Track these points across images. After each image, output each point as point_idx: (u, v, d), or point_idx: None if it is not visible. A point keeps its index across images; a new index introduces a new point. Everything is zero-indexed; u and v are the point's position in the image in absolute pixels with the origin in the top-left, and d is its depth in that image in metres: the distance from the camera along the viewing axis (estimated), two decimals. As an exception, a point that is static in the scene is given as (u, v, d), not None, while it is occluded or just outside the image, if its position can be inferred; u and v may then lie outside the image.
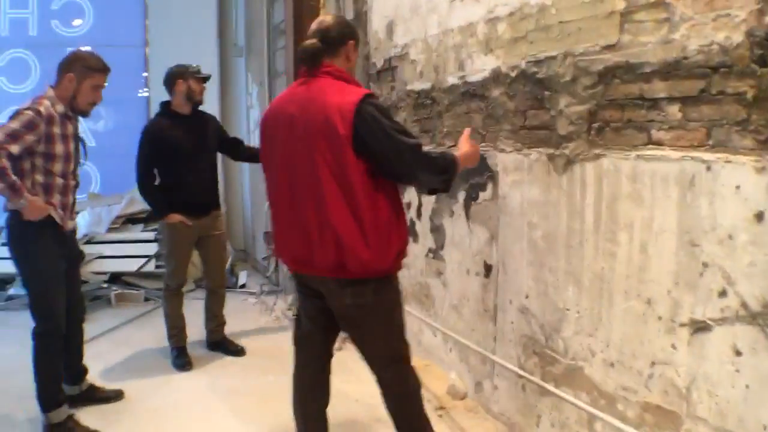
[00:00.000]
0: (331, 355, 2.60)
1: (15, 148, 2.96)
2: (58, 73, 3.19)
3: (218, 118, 4.87)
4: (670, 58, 2.04)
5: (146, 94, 7.26)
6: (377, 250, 2.22)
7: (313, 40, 2.27)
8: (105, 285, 5.83)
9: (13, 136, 2.96)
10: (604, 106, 2.35)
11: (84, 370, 3.61)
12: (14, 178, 2.94)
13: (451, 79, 3.26)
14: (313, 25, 2.35)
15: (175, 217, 4.05)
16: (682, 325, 2.06)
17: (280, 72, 5.69)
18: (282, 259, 2.51)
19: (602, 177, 2.38)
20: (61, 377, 3.37)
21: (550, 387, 2.70)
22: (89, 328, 4.64)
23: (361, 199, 2.18)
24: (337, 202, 2.18)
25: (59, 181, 3.15)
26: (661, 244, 2.13)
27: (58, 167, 3.13)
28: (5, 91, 6.86)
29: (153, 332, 4.76)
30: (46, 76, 6.71)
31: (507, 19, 2.81)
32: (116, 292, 5.71)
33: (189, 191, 4.07)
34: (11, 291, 5.97)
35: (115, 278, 5.95)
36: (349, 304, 2.31)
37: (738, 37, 1.82)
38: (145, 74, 7.27)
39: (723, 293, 1.91)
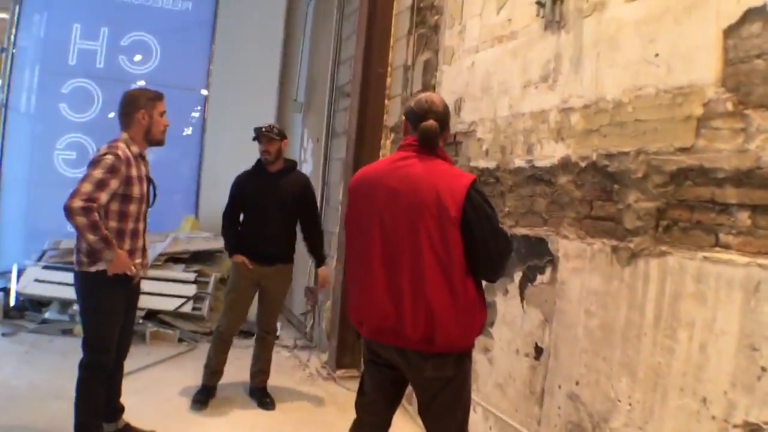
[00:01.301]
0: (389, 425, 2.76)
1: (104, 197, 3.23)
2: (125, 116, 3.47)
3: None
4: (744, 167, 2.23)
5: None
6: (464, 326, 2.43)
7: (433, 122, 2.51)
8: (140, 321, 6.04)
9: (100, 185, 3.22)
10: (674, 205, 2.54)
11: (121, 408, 3.79)
12: (105, 231, 3.21)
13: (518, 162, 3.48)
14: (424, 103, 2.58)
15: (239, 258, 4.52)
16: (736, 426, 2.18)
17: (339, 132, 6.01)
18: (359, 325, 2.66)
19: (666, 274, 2.54)
20: (102, 412, 3.54)
21: (594, 478, 2.80)
22: (126, 364, 4.93)
23: (457, 277, 2.39)
24: (435, 277, 2.37)
25: (131, 225, 3.41)
26: (721, 345, 2.27)
27: (133, 209, 3.39)
28: (66, 118, 7.29)
29: (185, 374, 4.99)
30: (107, 108, 7.27)
31: (581, 111, 3.04)
32: (152, 329, 5.92)
33: (256, 240, 4.52)
34: (47, 314, 6.23)
35: (151, 315, 6.17)
36: (429, 377, 2.48)
37: (813, 156, 2.01)
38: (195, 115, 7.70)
39: (781, 400, 2.04)
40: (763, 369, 2.11)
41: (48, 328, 6.04)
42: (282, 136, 4.57)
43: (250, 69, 7.23)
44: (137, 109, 3.44)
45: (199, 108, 7.69)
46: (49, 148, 7.26)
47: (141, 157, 3.48)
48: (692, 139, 2.45)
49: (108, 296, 3.38)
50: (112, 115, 7.42)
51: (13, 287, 6.45)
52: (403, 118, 2.72)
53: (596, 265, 2.92)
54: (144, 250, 3.61)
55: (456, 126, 4.16)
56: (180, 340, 5.98)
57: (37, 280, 6.42)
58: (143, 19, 7.55)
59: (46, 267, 6.60)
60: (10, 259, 6.87)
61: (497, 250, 2.47)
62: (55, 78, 7.30)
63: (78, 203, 3.14)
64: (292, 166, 4.70)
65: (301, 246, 4.75)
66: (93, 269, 3.31)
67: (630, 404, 2.66)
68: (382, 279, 2.49)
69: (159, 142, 3.56)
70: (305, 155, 6.94)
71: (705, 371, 2.33)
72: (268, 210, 4.51)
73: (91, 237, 3.17)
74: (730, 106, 2.29)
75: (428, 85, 4.59)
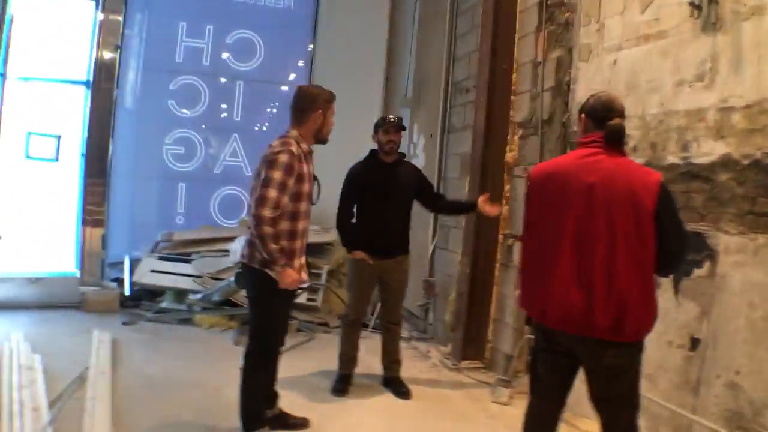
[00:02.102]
0: (563, 410, 3.07)
1: (286, 200, 3.49)
2: (301, 112, 3.71)
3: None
4: None
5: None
6: (649, 316, 2.73)
7: (620, 120, 2.83)
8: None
9: (283, 188, 3.46)
10: None
11: (277, 395, 4.08)
12: (282, 245, 3.50)
13: (671, 158, 3.79)
14: (608, 102, 2.90)
15: (359, 254, 4.81)
16: None
17: (457, 127, 6.40)
18: (541, 315, 2.91)
19: (838, 267, 2.85)
20: (264, 398, 3.89)
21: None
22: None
23: (649, 268, 2.69)
24: (628, 268, 2.64)
25: (301, 225, 3.66)
26: None
27: (303, 207, 3.64)
28: (174, 113, 7.88)
29: (313, 363, 5.45)
30: (213, 103, 7.83)
31: (742, 111, 3.35)
32: None
33: (375, 233, 4.81)
34: (163, 304, 6.80)
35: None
36: (610, 365, 2.73)
37: None
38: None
39: None
40: None
41: (165, 317, 6.61)
42: (403, 128, 4.92)
43: (353, 65, 7.60)
44: (316, 108, 3.68)
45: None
46: (157, 144, 7.83)
47: (310, 154, 3.73)
48: None
49: (280, 295, 3.65)
50: (224, 108, 8.06)
51: (128, 278, 7.04)
52: (582, 115, 2.97)
53: (760, 259, 3.22)
54: (306, 247, 3.85)
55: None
56: (299, 330, 6.44)
57: (152, 271, 7.01)
58: (247, 17, 8.03)
59: (161, 258, 7.19)
60: (119, 251, 7.48)
61: (678, 247, 2.75)
62: (163, 75, 7.86)
63: (269, 212, 3.40)
64: (403, 157, 5.01)
65: (414, 236, 5.01)
66: (267, 271, 3.56)
67: (798, 392, 2.97)
68: (571, 270, 2.75)
69: (325, 141, 3.83)
70: (415, 150, 7.33)
71: None
72: (387, 201, 4.78)
73: (272, 246, 3.43)
74: None
75: (561, 82, 4.92)
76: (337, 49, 7.83)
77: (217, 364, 5.29)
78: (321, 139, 3.81)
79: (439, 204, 5.10)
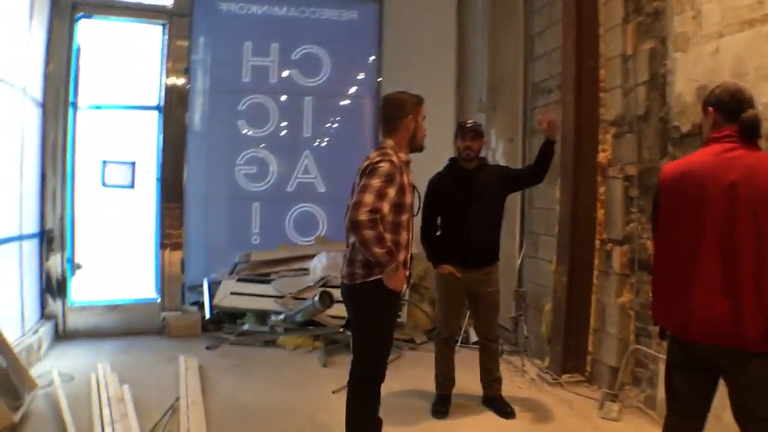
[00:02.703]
0: (704, 427, 2.94)
1: (386, 207, 3.45)
2: (392, 121, 3.72)
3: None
4: None
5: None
6: None
7: (755, 112, 2.74)
8: (341, 330, 6.59)
9: (381, 195, 3.42)
10: None
11: (381, 422, 3.96)
12: (390, 244, 3.45)
13: (789, 149, 3.68)
14: (738, 94, 2.81)
15: (446, 268, 4.79)
16: None
17: (538, 129, 6.34)
18: (682, 328, 2.80)
19: None
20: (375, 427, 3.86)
21: None
22: (335, 374, 5.46)
23: None
24: None
25: (404, 236, 3.65)
26: None
27: (405, 219, 3.64)
28: (244, 134, 8.07)
29: (405, 382, 5.41)
30: (282, 121, 7.98)
31: None
32: None
33: (461, 245, 4.77)
34: (245, 326, 6.92)
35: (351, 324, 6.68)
36: (759, 377, 2.62)
37: None
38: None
39: None
40: None
41: (248, 340, 6.73)
42: (483, 134, 4.91)
43: (422, 73, 7.60)
44: (405, 114, 3.68)
45: (372, 116, 8.25)
46: (229, 164, 8.03)
47: (407, 164, 3.70)
48: None
49: (384, 306, 3.67)
50: (293, 125, 8.20)
51: (207, 300, 7.20)
52: (710, 109, 2.87)
53: None
54: (411, 259, 3.87)
55: (699, 116, 4.37)
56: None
57: (233, 293, 7.16)
58: (311, 32, 8.20)
59: (240, 279, 7.34)
60: (196, 274, 7.69)
61: None
62: (231, 96, 8.07)
63: (365, 215, 3.34)
64: (485, 162, 5.01)
65: (501, 245, 4.98)
66: (372, 279, 3.55)
67: None
68: (715, 277, 2.65)
69: (421, 149, 3.82)
70: (494, 156, 7.30)
71: None
72: (472, 210, 4.75)
73: (377, 250, 3.39)
74: None
75: (656, 75, 4.82)
76: (405, 58, 7.89)
77: (307, 387, 5.36)
78: (416, 146, 3.80)
79: (534, 171, 4.84)
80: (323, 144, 8.39)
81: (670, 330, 2.92)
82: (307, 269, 7.35)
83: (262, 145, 8.15)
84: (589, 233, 5.53)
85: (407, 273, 3.77)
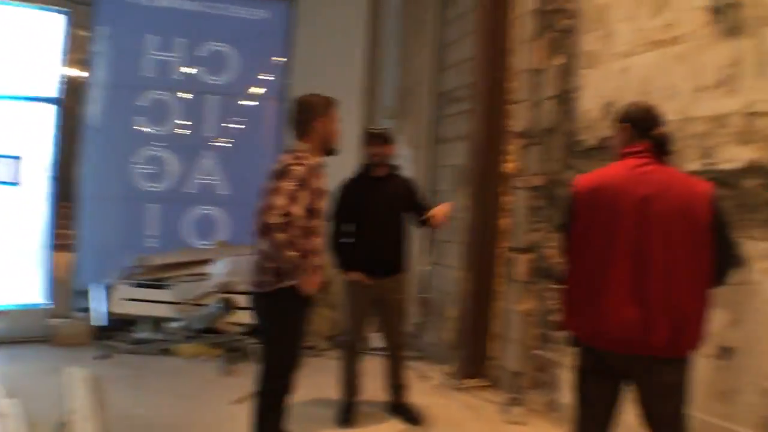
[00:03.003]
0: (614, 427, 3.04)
1: (298, 211, 3.38)
2: (303, 124, 3.62)
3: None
4: None
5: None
6: (704, 329, 2.76)
7: (666, 130, 2.90)
8: (241, 337, 6.44)
9: (293, 198, 3.35)
10: None
11: None
12: (302, 248, 3.39)
13: (692, 166, 3.87)
14: (651, 111, 2.95)
15: (354, 275, 4.77)
16: None
17: (448, 138, 6.46)
18: (592, 338, 2.88)
19: None
20: None
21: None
22: (236, 384, 5.33)
23: (705, 282, 2.72)
24: (686, 282, 2.68)
25: (316, 241, 3.58)
26: None
27: (318, 224, 3.57)
28: (144, 131, 7.74)
29: (309, 389, 5.08)
30: (184, 119, 7.72)
31: (770, 116, 3.46)
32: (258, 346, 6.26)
33: (369, 252, 4.77)
34: (140, 334, 6.63)
35: (252, 331, 6.50)
36: (667, 383, 2.76)
37: None
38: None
39: None
40: None
41: (144, 348, 6.45)
42: (392, 140, 4.92)
43: (332, 77, 7.47)
44: (316, 116, 3.61)
45: (280, 118, 8.09)
46: (126, 163, 7.66)
47: (321, 168, 3.61)
48: None
49: (295, 315, 3.59)
50: (196, 124, 7.93)
51: (102, 307, 6.84)
52: (623, 124, 2.97)
53: (794, 265, 3.33)
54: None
55: (607, 130, 4.55)
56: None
57: (127, 299, 6.85)
58: (220, 29, 7.93)
59: (135, 285, 7.02)
60: (88, 277, 7.22)
61: (727, 258, 2.79)
62: (131, 91, 7.71)
63: (276, 219, 3.27)
64: (396, 170, 5.01)
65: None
66: (283, 286, 3.45)
67: None
68: (626, 287, 2.73)
69: (334, 151, 3.74)
70: (402, 163, 7.34)
71: None
72: (380, 217, 4.76)
73: (290, 254, 3.33)
74: None
75: (565, 90, 5.01)
76: (315, 61, 7.77)
77: (207, 398, 5.17)
78: (329, 149, 3.72)
79: (418, 219, 4.94)
80: (226, 145, 8.12)
81: (581, 338, 2.96)
82: (207, 274, 7.13)
83: (162, 143, 7.83)
84: (494, 241, 5.66)
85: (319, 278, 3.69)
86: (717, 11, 3.72)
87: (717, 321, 3.67)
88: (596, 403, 2.98)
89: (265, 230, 3.31)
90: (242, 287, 6.67)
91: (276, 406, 3.64)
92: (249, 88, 8.14)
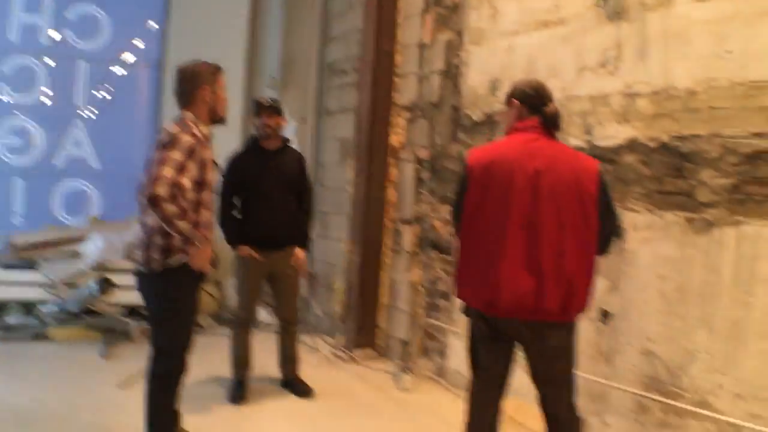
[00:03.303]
0: (505, 396, 3.17)
1: (187, 183, 3.24)
2: (187, 93, 3.45)
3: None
4: (822, 150, 2.97)
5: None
6: (590, 295, 2.95)
7: (555, 106, 3.02)
8: (121, 318, 6.22)
9: (181, 169, 3.21)
10: (749, 181, 3.25)
11: (179, 414, 3.77)
12: (188, 223, 3.25)
13: (574, 141, 4.10)
14: (541, 89, 3.06)
15: (245, 250, 4.71)
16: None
17: (333, 110, 6.46)
18: (488, 306, 2.95)
19: (742, 240, 3.26)
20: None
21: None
22: (118, 366, 5.19)
23: (593, 250, 2.90)
24: (575, 251, 2.83)
25: (205, 215, 3.46)
26: (801, 297, 3.03)
27: (207, 197, 3.44)
28: (5, 101, 7.24)
29: (194, 370, 5.07)
30: (52, 87, 7.27)
31: (649, 97, 3.71)
32: (139, 326, 6.04)
33: (261, 226, 4.71)
34: (12, 320, 6.26)
35: (132, 311, 6.33)
36: (555, 346, 2.95)
37: None
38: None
39: None
40: None
41: (14, 335, 6.03)
42: (282, 112, 4.84)
43: (211, 45, 7.26)
44: (201, 84, 3.44)
45: (155, 87, 7.77)
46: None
47: (209, 139, 3.48)
48: (767, 126, 3.17)
49: (185, 294, 3.48)
50: (65, 92, 7.48)
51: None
52: (515, 101, 3.05)
53: (669, 234, 3.61)
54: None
55: (493, 106, 4.73)
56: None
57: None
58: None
59: (4, 266, 6.58)
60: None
61: (611, 229, 3.00)
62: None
63: (163, 189, 3.12)
64: (287, 142, 4.92)
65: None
66: (171, 266, 3.33)
67: (708, 353, 3.37)
68: (520, 256, 2.84)
69: (222, 120, 3.56)
70: (287, 134, 7.28)
71: (785, 318, 3.08)
72: (273, 190, 4.68)
73: (183, 225, 3.20)
74: (806, 99, 3.02)
75: (451, 65, 5.14)
76: (193, 27, 7.48)
77: (89, 384, 4.90)
78: (217, 118, 3.55)
79: (302, 210, 4.95)
80: (98, 115, 7.68)
81: (476, 307, 3.04)
82: (80, 253, 6.79)
83: (28, 113, 7.34)
84: (381, 213, 5.77)
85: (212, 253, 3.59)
86: (601, -5, 3.92)
87: (598, 287, 3.95)
88: (490, 367, 3.11)
89: (154, 202, 3.14)
90: (119, 265, 6.47)
91: (169, 387, 3.54)
92: (121, 54, 7.72)
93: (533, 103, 3.01)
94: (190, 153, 3.26)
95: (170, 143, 3.24)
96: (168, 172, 3.16)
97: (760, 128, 3.20)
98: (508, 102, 3.11)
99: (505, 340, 3.05)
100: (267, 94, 7.31)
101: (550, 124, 2.99)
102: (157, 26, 7.77)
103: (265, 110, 4.71)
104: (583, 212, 2.85)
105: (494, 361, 3.11)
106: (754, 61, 3.22)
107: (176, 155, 3.21)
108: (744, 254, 3.27)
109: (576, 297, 2.88)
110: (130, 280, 6.20)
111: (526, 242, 2.85)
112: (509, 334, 3.02)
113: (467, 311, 3.15)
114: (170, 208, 3.16)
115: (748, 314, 3.23)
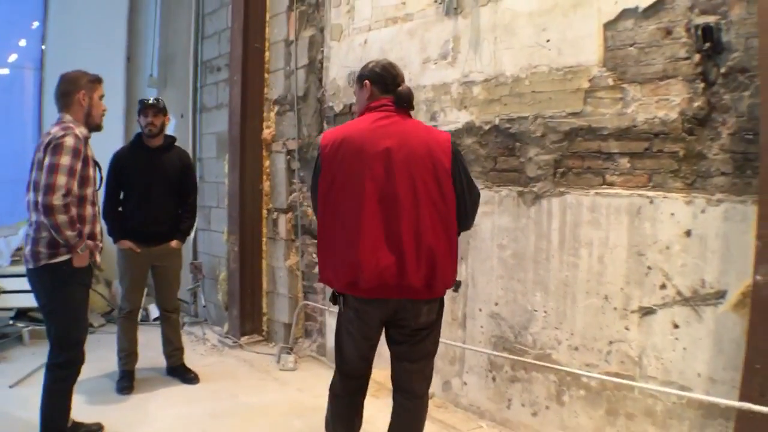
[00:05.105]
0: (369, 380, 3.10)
1: (75, 185, 3.34)
2: (65, 96, 3.55)
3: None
4: (623, 126, 3.27)
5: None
6: (454, 271, 2.86)
7: (407, 85, 2.93)
8: (11, 321, 6.07)
9: (72, 173, 3.31)
10: (568, 156, 3.55)
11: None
12: (79, 225, 3.36)
13: (423, 127, 4.34)
14: (392, 69, 2.95)
15: (125, 243, 4.73)
16: (633, 311, 3.26)
17: (209, 106, 6.48)
18: (350, 287, 2.80)
19: (566, 208, 3.56)
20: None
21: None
22: (10, 369, 5.06)
23: (452, 224, 2.80)
24: (435, 227, 2.73)
25: (89, 210, 3.54)
26: (614, 256, 3.33)
27: (89, 192, 3.52)
28: None
29: (86, 365, 5.16)
30: None
31: (482, 84, 3.96)
32: (29, 328, 5.92)
33: (142, 220, 4.74)
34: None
35: (21, 314, 6.18)
36: (423, 322, 2.84)
37: (674, 115, 3.09)
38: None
39: (663, 286, 3.14)
40: (649, 268, 3.19)
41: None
42: (166, 110, 4.91)
43: (91, 44, 7.09)
44: (77, 89, 3.54)
45: (35, 89, 7.53)
46: None
47: (88, 139, 3.57)
48: (581, 106, 3.46)
49: (75, 286, 3.51)
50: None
51: None
52: (366, 82, 2.95)
53: (505, 207, 3.88)
54: (101, 233, 3.73)
55: (353, 97, 4.89)
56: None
57: None
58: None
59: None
60: None
61: (472, 200, 2.89)
62: None
63: (59, 200, 3.25)
64: (172, 141, 4.98)
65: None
66: (58, 260, 3.40)
67: (545, 312, 3.68)
68: (378, 236, 2.71)
69: (98, 127, 3.68)
70: (167, 131, 7.23)
71: (604, 276, 3.38)
72: (153, 187, 4.73)
73: (69, 233, 3.30)
74: (611, 82, 3.32)
75: (315, 60, 5.27)
76: (73, 26, 7.28)
77: None
78: (92, 124, 3.65)
79: (184, 205, 5.01)
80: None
81: (339, 290, 2.89)
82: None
83: None
84: (257, 204, 5.84)
85: (99, 244, 3.65)
86: (441, -7, 4.14)
87: (449, 260, 4.20)
88: (361, 344, 2.95)
89: (48, 211, 3.26)
90: (6, 270, 6.31)
91: (66, 378, 3.56)
92: (2, 55, 7.42)
93: (385, 83, 2.92)
94: (76, 153, 3.36)
95: (56, 147, 3.32)
96: (61, 180, 3.27)
97: (575, 108, 3.50)
98: (359, 83, 3.02)
99: (372, 324, 2.89)
100: (147, 92, 7.27)
101: (402, 102, 2.89)
102: (37, 26, 7.50)
103: (150, 109, 4.76)
104: (439, 186, 2.76)
105: (362, 344, 2.96)
106: (569, 48, 3.51)
107: (65, 160, 3.30)
108: (568, 221, 3.56)
109: (439, 273, 2.77)
110: (18, 284, 6.20)
111: (384, 220, 2.74)
112: (377, 316, 2.86)
113: (333, 299, 2.99)
114: (62, 219, 3.28)
115: (575, 274, 3.53)
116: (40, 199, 3.28)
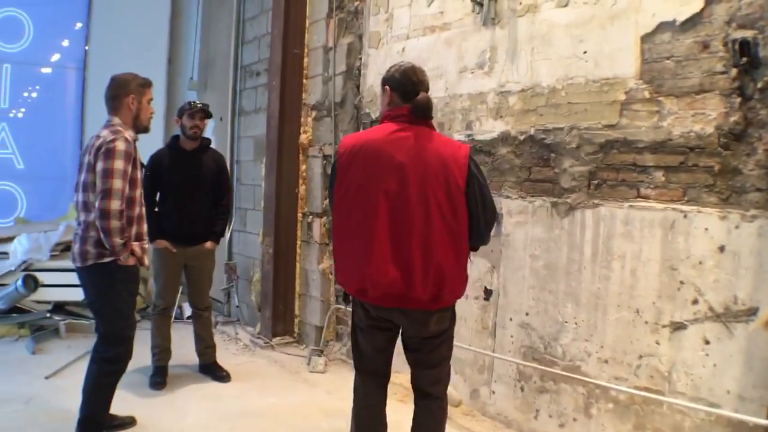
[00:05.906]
0: (389, 378, 3.12)
1: (127, 188, 3.45)
2: (114, 99, 3.63)
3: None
4: (659, 139, 3.26)
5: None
6: (464, 282, 2.88)
7: (427, 95, 2.82)
8: (48, 315, 6.23)
9: (125, 177, 3.42)
10: (603, 168, 3.54)
11: None
12: (127, 234, 3.46)
13: (458, 136, 4.34)
14: (413, 76, 2.86)
15: (161, 243, 4.84)
16: (664, 326, 3.24)
17: (248, 110, 6.59)
18: (361, 293, 2.85)
19: (600, 220, 3.55)
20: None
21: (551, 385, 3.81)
22: (46, 360, 5.21)
23: (463, 240, 2.78)
24: (444, 242, 2.72)
25: (137, 210, 3.63)
26: (647, 269, 3.32)
27: (137, 194, 3.61)
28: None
29: None
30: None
31: (518, 94, 3.97)
32: (66, 322, 6.11)
33: (177, 221, 4.86)
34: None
35: (58, 308, 6.36)
36: (432, 331, 2.86)
37: (710, 129, 3.07)
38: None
39: (695, 302, 3.12)
40: (682, 282, 3.17)
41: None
42: (211, 114, 5.01)
43: (133, 46, 7.29)
44: (127, 93, 3.61)
45: (79, 88, 7.72)
46: None
47: (135, 141, 3.67)
48: (617, 118, 3.46)
49: (122, 285, 3.59)
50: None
51: None
52: (387, 88, 2.91)
53: (538, 218, 3.89)
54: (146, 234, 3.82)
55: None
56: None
57: None
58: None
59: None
60: None
61: (486, 219, 2.83)
62: None
63: (116, 205, 3.36)
64: (207, 143, 5.08)
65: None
66: (105, 260, 3.47)
67: (576, 323, 3.67)
68: (387, 247, 2.72)
69: (145, 129, 3.76)
70: (206, 133, 7.36)
71: (636, 290, 3.37)
72: (189, 189, 4.85)
73: (117, 240, 3.39)
74: (647, 94, 3.31)
75: (353, 67, 5.33)
76: (115, 28, 7.47)
77: (17, 376, 4.85)
78: (141, 126, 3.73)
79: (217, 206, 5.10)
80: (22, 116, 7.59)
81: (351, 293, 2.94)
82: (6, 253, 6.75)
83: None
84: (292, 207, 5.91)
85: (145, 245, 3.76)
86: (478, 3, 4.16)
87: (479, 268, 4.22)
88: (372, 355, 3.02)
89: (104, 215, 3.36)
90: (45, 265, 6.46)
91: (112, 372, 3.67)
92: (46, 55, 7.64)
93: (405, 91, 2.85)
94: (128, 157, 3.46)
95: (109, 152, 3.41)
96: (117, 184, 3.38)
97: (611, 120, 3.49)
98: (382, 87, 2.97)
99: (384, 328, 2.95)
100: (187, 95, 7.40)
101: (420, 113, 2.81)
102: (80, 27, 7.69)
103: (199, 113, 4.87)
104: (451, 202, 2.73)
105: (375, 348, 3.01)
106: (606, 60, 3.51)
107: (119, 164, 3.40)
108: (601, 233, 3.56)
109: (447, 287, 2.77)
110: (56, 278, 6.36)
111: (395, 237, 2.74)
112: (386, 322, 2.92)
113: (346, 297, 3.09)
114: (115, 225, 3.38)
115: (606, 287, 3.52)
116: (97, 203, 3.37)
